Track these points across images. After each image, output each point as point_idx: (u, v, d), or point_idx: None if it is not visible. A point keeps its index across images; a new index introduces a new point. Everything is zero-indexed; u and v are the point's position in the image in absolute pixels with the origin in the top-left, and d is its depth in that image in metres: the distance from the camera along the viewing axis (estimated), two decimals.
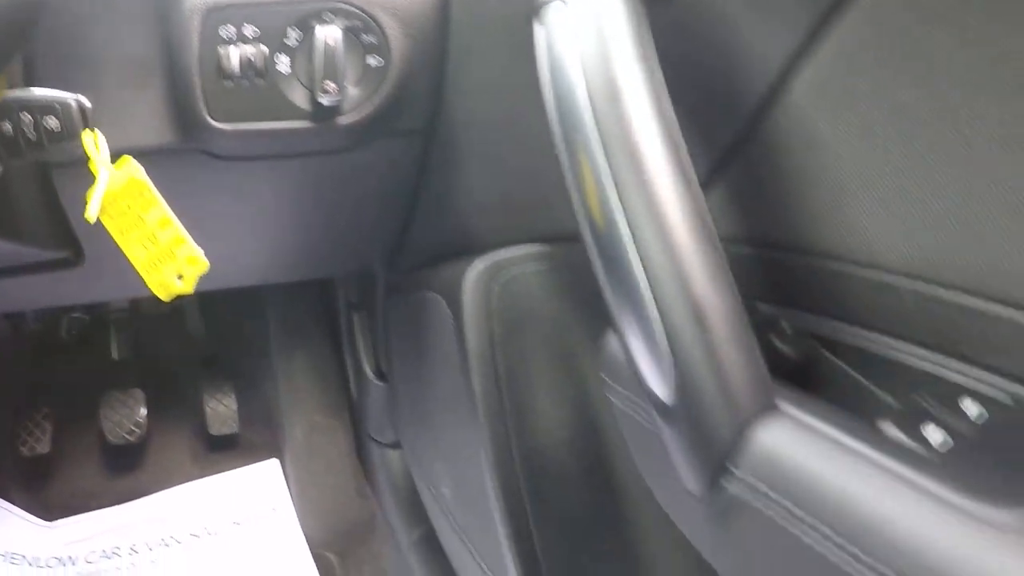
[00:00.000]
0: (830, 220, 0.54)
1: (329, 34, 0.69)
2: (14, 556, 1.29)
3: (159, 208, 0.69)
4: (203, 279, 1.03)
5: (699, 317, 0.46)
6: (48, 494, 1.36)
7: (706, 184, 0.61)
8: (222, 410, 1.43)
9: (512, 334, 0.76)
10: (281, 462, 1.41)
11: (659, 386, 0.49)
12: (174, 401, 1.45)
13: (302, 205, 0.89)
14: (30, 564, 1.29)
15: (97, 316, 1.47)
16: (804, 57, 0.52)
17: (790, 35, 0.52)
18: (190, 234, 0.71)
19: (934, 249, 0.51)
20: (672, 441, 0.51)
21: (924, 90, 0.50)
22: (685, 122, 0.52)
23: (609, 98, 0.47)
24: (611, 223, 0.48)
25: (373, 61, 0.72)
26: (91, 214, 0.65)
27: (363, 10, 0.71)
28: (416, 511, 1.17)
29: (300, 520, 1.35)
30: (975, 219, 0.49)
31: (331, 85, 0.70)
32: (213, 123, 0.73)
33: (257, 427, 1.46)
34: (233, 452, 1.44)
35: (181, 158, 0.78)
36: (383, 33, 0.72)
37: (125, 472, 1.41)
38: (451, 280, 0.80)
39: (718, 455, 0.48)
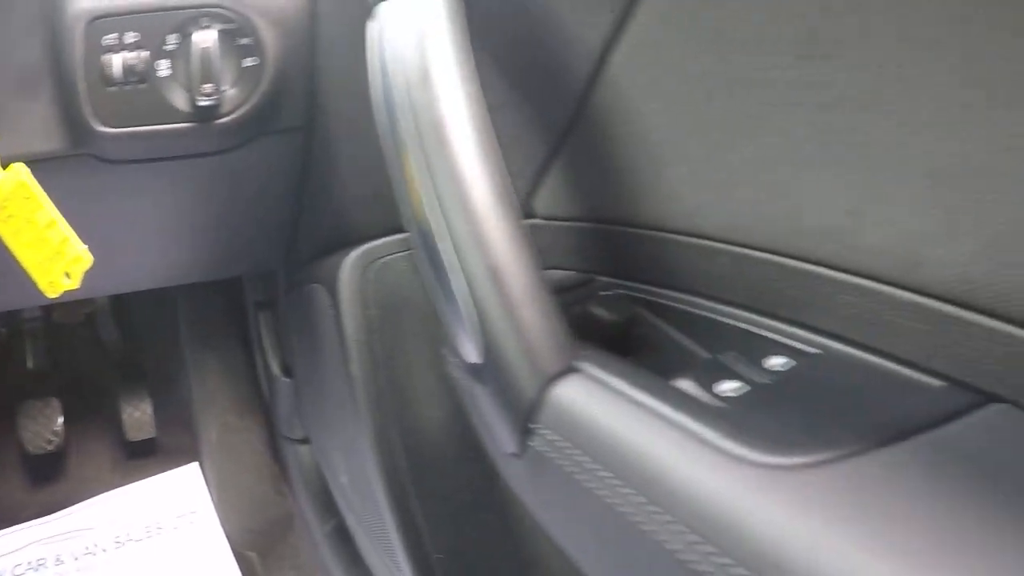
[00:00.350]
0: (653, 191, 0.57)
1: (205, 38, 0.72)
2: None
3: (46, 211, 0.70)
4: (110, 283, 1.05)
5: (499, 284, 0.49)
6: None
7: (545, 166, 0.64)
8: (138, 416, 1.43)
9: (388, 319, 0.78)
10: (200, 464, 1.42)
11: (469, 350, 0.51)
12: (91, 409, 1.45)
13: (196, 206, 0.91)
14: None
15: (11, 327, 1.46)
16: (617, 35, 0.55)
17: (603, 15, 0.54)
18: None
19: (742, 212, 0.54)
20: (485, 402, 0.53)
21: (718, 56, 0.52)
22: (521, 108, 0.56)
23: (423, 90, 0.50)
24: (425, 207, 0.50)
25: (248, 62, 0.75)
26: None
27: (237, 14, 0.73)
28: (328, 504, 1.18)
29: (221, 521, 1.35)
30: (774, 180, 0.52)
31: (208, 87, 0.73)
32: (100, 128, 0.75)
33: (175, 431, 1.46)
34: (152, 457, 1.44)
35: (74, 163, 0.79)
36: (257, 35, 0.74)
37: (47, 483, 1.41)
38: (331, 271, 0.81)
39: (523, 413, 0.50)
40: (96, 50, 0.73)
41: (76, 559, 1.32)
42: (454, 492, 0.78)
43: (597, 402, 0.48)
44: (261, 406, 1.42)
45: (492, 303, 0.49)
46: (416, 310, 0.76)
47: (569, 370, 0.50)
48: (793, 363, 0.53)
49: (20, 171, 0.69)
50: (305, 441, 1.24)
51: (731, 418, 0.46)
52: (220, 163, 0.84)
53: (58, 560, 1.32)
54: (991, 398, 0.45)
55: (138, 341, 1.50)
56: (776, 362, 0.53)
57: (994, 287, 0.43)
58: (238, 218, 0.95)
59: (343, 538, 1.15)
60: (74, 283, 0.72)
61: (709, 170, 0.55)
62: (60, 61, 0.73)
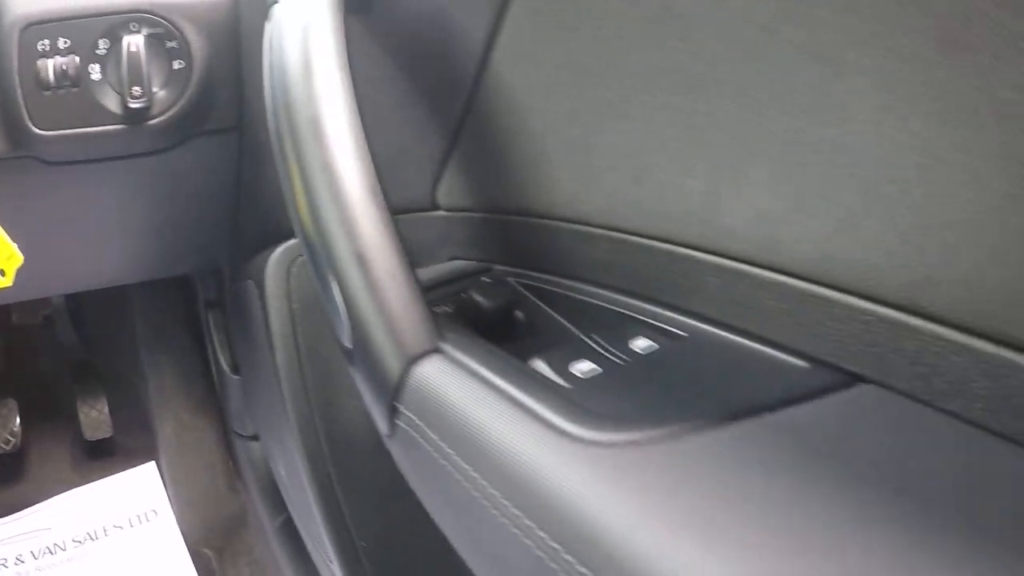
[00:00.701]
0: (538, 180, 0.59)
1: (133, 41, 0.75)
2: None
3: None
4: (60, 283, 1.06)
5: (364, 269, 0.50)
6: None
7: (445, 160, 0.67)
8: (95, 415, 1.44)
9: (308, 311, 0.79)
10: (156, 462, 1.43)
11: (342, 334, 0.53)
12: (48, 409, 1.46)
13: (137, 206, 0.93)
14: None
15: None
16: (496, 31, 0.57)
17: (483, 13, 0.57)
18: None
19: (615, 197, 0.56)
20: (359, 385, 0.55)
21: (582, 45, 0.54)
22: (419, 105, 0.58)
23: (302, 88, 0.53)
24: (301, 199, 0.53)
25: (177, 64, 0.78)
26: None
27: (164, 18, 0.76)
28: (277, 499, 1.19)
29: (177, 519, 1.37)
30: (639, 164, 0.54)
31: (137, 89, 0.76)
32: (37, 131, 0.77)
33: (132, 430, 1.47)
34: (110, 457, 1.45)
35: (16, 165, 0.82)
36: (184, 38, 0.77)
37: (7, 484, 1.42)
38: (259, 268, 0.84)
39: (389, 394, 0.52)
40: (31, 56, 0.75)
41: (36, 558, 1.34)
42: (377, 479, 0.80)
43: (450, 382, 0.49)
44: (215, 404, 1.44)
45: (358, 287, 0.51)
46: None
47: (432, 351, 0.51)
48: (656, 346, 0.54)
49: None
50: (255, 438, 1.26)
51: (571, 397, 0.47)
52: (157, 163, 0.86)
53: (18, 560, 1.34)
54: (857, 378, 0.46)
55: (95, 342, 1.51)
56: (640, 344, 0.54)
57: (851, 265, 0.45)
58: (180, 217, 0.97)
59: (291, 532, 1.16)
60: (8, 281, 0.75)
61: (583, 157, 0.57)
62: (2, 75, 0.76)
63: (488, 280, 0.63)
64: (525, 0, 0.56)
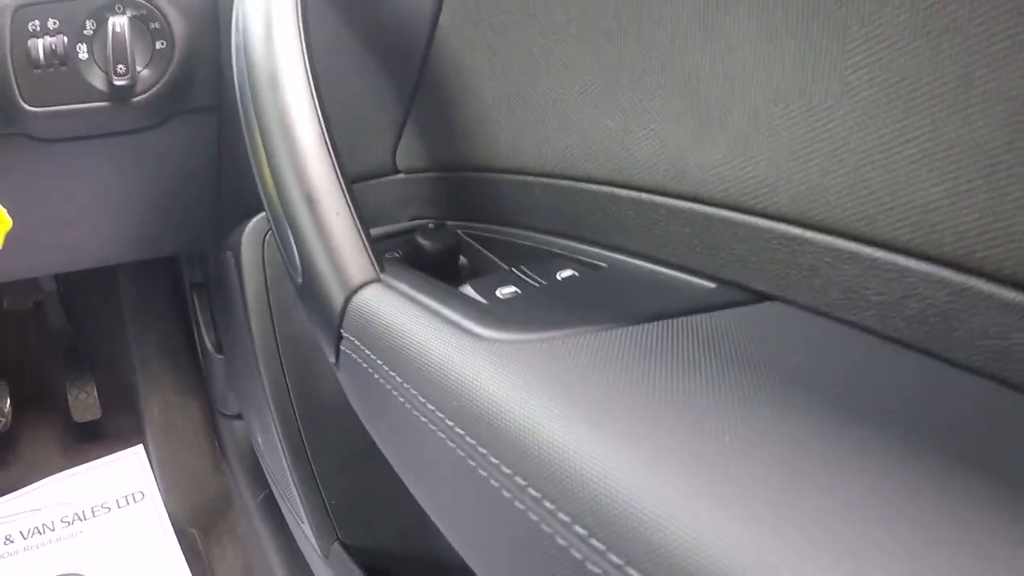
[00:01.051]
0: (483, 137, 0.63)
1: (118, 22, 0.80)
2: None
3: None
4: (49, 262, 1.10)
5: (312, 210, 0.55)
6: None
7: (402, 124, 0.71)
8: (83, 397, 1.48)
9: (281, 278, 0.83)
10: (144, 444, 1.46)
11: (295, 273, 0.58)
12: (38, 393, 1.50)
13: (122, 184, 0.97)
14: None
15: None
16: None
17: None
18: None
19: (547, 145, 0.60)
20: (309, 319, 0.59)
21: (518, 6, 0.59)
22: (378, 73, 0.62)
23: (263, 49, 0.58)
24: (260, 150, 0.57)
25: (159, 44, 0.82)
26: None
27: (147, 1, 0.81)
28: (259, 476, 1.23)
29: (164, 500, 1.39)
30: (564, 112, 0.58)
31: (122, 67, 0.80)
32: (27, 107, 0.82)
33: (120, 412, 1.50)
34: (99, 439, 1.49)
35: (8, 143, 0.86)
36: (166, 20, 0.82)
37: None
38: (236, 239, 0.88)
39: (335, 323, 0.55)
40: (22, 36, 0.79)
41: (25, 538, 1.36)
42: (345, 440, 0.84)
43: (384, 302, 0.53)
44: (200, 385, 1.47)
45: (306, 224, 0.55)
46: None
47: (373, 281, 0.55)
48: (575, 274, 0.58)
49: None
50: (239, 416, 1.29)
51: (487, 310, 0.51)
52: (141, 141, 0.91)
53: (7, 540, 1.36)
54: (764, 297, 0.49)
55: (84, 328, 1.54)
56: (564, 274, 0.59)
57: (747, 185, 0.48)
58: (164, 196, 1.01)
59: (272, 507, 1.20)
60: None
61: (520, 111, 0.61)
62: None
63: (432, 227, 0.66)
64: None
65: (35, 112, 0.82)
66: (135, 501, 1.41)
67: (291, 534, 1.12)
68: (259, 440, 1.05)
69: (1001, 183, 0.36)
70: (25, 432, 1.48)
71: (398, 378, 0.48)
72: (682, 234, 0.53)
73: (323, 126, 0.56)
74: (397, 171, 0.72)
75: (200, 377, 1.47)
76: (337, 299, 0.55)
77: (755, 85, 0.46)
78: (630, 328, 0.46)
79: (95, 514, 1.40)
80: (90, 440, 1.49)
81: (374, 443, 0.58)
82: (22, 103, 0.82)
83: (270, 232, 0.83)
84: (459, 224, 0.68)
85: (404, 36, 0.66)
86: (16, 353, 1.54)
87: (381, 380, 0.51)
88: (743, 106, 0.47)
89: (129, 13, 0.81)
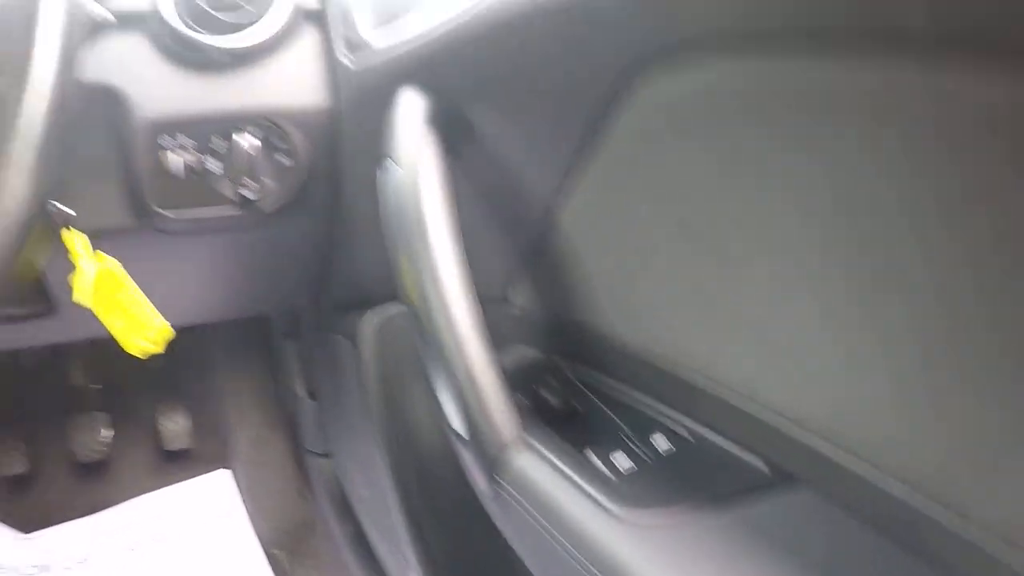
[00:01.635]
0: (590, 302, 0.71)
1: (249, 142, 0.86)
2: None
3: (128, 290, 0.81)
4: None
5: (468, 378, 0.64)
6: (24, 509, 1.46)
7: (517, 269, 0.77)
8: (174, 427, 1.55)
9: (397, 369, 0.91)
10: (231, 471, 1.54)
11: (452, 420, 0.67)
12: (133, 422, 1.57)
13: (237, 265, 1.04)
14: (12, 571, 1.39)
15: (58, 347, 1.56)
16: (566, 186, 0.68)
17: (552, 175, 0.68)
18: (150, 290, 0.83)
19: (650, 327, 0.70)
20: (461, 455, 0.69)
21: (639, 214, 0.67)
22: (496, 225, 0.69)
23: (415, 216, 0.65)
24: (420, 305, 0.66)
25: (284, 161, 0.89)
26: (79, 299, 0.76)
27: (275, 123, 0.87)
28: (346, 510, 1.31)
29: (251, 522, 1.47)
30: (669, 305, 0.67)
31: (251, 183, 0.87)
32: (160, 211, 0.89)
33: (207, 441, 1.58)
34: (187, 464, 1.56)
35: (139, 235, 0.93)
36: (291, 140, 0.88)
37: (93, 488, 1.52)
38: (353, 327, 0.94)
39: (488, 469, 0.67)
40: (157, 150, 0.86)
41: (118, 555, 1.44)
42: (455, 504, 0.92)
43: (540, 474, 0.65)
44: (285, 422, 1.55)
45: (465, 389, 0.65)
46: (417, 363, 0.90)
47: (520, 440, 0.67)
48: (673, 448, 0.70)
49: (107, 261, 0.79)
50: (326, 455, 1.37)
51: (615, 488, 0.65)
52: (259, 234, 0.98)
53: (101, 556, 1.44)
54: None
55: (176, 362, 1.60)
56: (661, 443, 0.71)
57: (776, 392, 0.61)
58: (273, 274, 1.09)
59: (361, 542, 1.28)
60: (157, 349, 0.84)
61: (626, 292, 0.70)
62: (128, 158, 0.87)
63: (554, 382, 0.75)
64: (597, 175, 0.67)
65: (166, 215, 0.90)
66: (223, 522, 1.48)
67: (379, 567, 1.20)
68: (358, 487, 1.13)
69: None
70: (119, 458, 1.56)
71: (551, 529, 0.62)
72: (745, 419, 0.64)
73: (474, 302, 0.65)
74: (506, 300, 0.78)
75: (285, 415, 1.55)
76: (491, 451, 0.66)
77: (806, 320, 0.56)
78: (720, 516, 0.60)
79: (184, 533, 1.47)
80: (177, 463, 1.57)
81: (480, 507, 0.71)
82: (154, 206, 0.89)
83: (385, 328, 0.91)
84: (565, 363, 0.76)
85: (522, 203, 0.72)
86: (113, 384, 1.61)
87: (537, 527, 0.63)
88: (795, 334, 0.58)
89: (257, 133, 0.87)
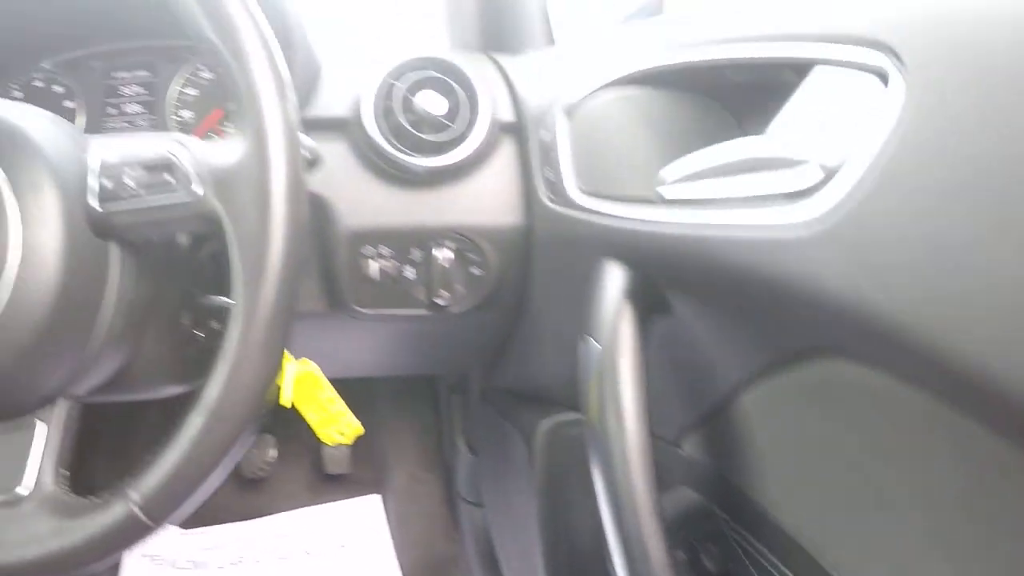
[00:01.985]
0: (753, 480, 0.71)
1: (444, 255, 0.90)
2: (155, 557, 1.51)
3: (326, 390, 0.86)
4: (334, 371, 1.24)
5: (641, 536, 0.66)
6: None
7: (685, 433, 0.79)
8: (336, 453, 1.63)
9: (564, 470, 0.93)
10: (383, 500, 1.61)
11: (619, 569, 0.68)
12: (297, 445, 1.66)
13: (418, 344, 1.10)
14: (169, 565, 1.51)
15: None
16: (752, 382, 0.68)
17: (743, 367, 0.67)
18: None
19: (809, 526, 0.70)
20: None
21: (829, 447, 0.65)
22: (671, 389, 0.71)
23: (612, 399, 0.68)
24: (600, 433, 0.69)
25: (476, 271, 0.92)
26: (285, 399, 0.80)
27: (468, 237, 0.91)
28: (492, 559, 1.36)
29: (397, 551, 1.54)
30: (830, 508, 0.65)
31: (445, 293, 0.91)
32: (356, 308, 0.94)
33: (365, 470, 1.65)
34: (343, 488, 1.64)
35: (333, 316, 0.99)
36: (483, 253, 0.91)
37: (252, 496, 1.62)
38: (528, 425, 0.98)
39: None
40: (359, 257, 0.91)
41: (269, 562, 1.53)
42: None
43: None
44: (441, 467, 1.61)
45: (631, 535, 0.66)
46: (581, 470, 0.93)
47: None
48: None
49: (308, 364, 0.84)
50: (478, 504, 1.42)
51: None
52: (442, 324, 1.01)
53: (255, 560, 1.53)
54: None
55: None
56: None
57: None
58: (450, 351, 1.14)
59: None
60: (347, 441, 0.89)
61: (794, 496, 0.69)
62: (329, 260, 0.92)
63: (714, 548, 0.76)
64: (784, 387, 0.67)
65: (360, 311, 0.94)
66: (368, 543, 1.56)
67: None
68: (508, 542, 1.19)
69: None
70: (280, 477, 1.65)
71: None
72: None
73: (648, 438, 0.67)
74: (678, 445, 0.80)
75: (443, 460, 1.61)
76: None
77: None
78: None
79: (332, 549, 1.55)
80: (334, 485, 1.65)
81: None
82: (351, 303, 0.94)
83: (560, 438, 0.94)
84: (720, 511, 0.77)
85: (701, 379, 0.74)
86: (284, 410, 1.69)
87: None
88: None
89: (452, 246, 0.91)
